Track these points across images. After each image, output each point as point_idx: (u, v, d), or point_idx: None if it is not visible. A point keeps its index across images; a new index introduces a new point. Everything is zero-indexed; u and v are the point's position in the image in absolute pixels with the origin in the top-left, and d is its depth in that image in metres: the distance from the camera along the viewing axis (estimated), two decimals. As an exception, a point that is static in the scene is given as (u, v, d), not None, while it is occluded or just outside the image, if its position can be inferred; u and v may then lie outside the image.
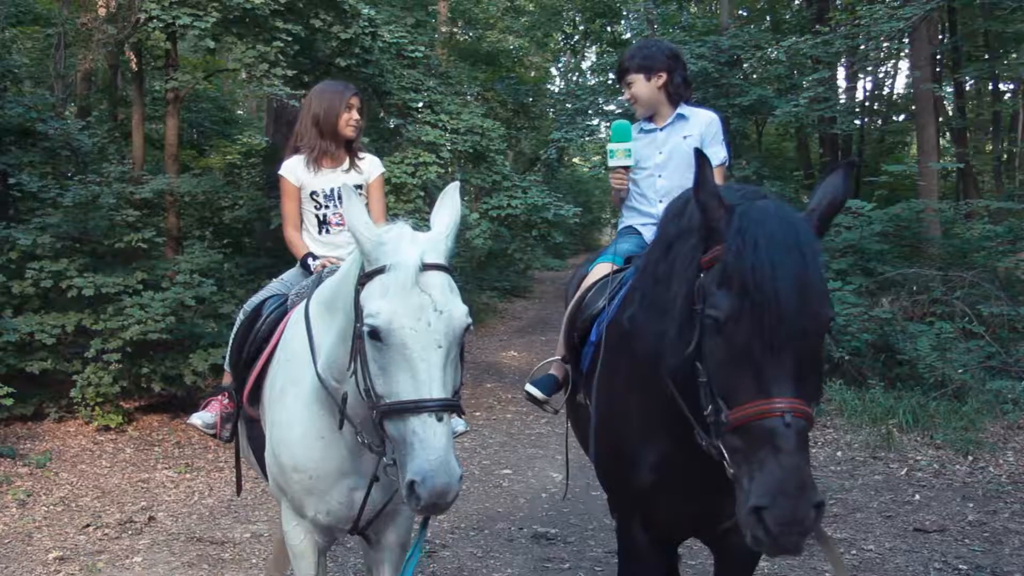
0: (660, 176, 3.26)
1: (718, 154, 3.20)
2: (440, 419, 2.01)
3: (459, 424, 3.07)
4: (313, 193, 3.36)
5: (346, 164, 3.41)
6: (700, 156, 2.04)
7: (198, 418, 3.25)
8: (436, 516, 2.11)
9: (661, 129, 3.28)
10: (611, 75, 19.28)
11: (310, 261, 3.27)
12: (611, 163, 3.28)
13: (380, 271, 2.14)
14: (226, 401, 3.22)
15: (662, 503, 2.47)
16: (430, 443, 1.98)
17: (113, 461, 6.89)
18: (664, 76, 3.23)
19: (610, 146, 3.31)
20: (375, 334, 2.09)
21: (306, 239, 3.42)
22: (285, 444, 2.65)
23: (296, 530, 2.79)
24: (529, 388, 3.25)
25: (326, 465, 2.58)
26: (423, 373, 2.04)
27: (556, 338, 3.43)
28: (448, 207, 2.35)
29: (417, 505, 1.98)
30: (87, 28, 8.56)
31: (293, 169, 3.39)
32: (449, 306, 2.11)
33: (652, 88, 3.23)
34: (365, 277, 2.20)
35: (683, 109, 3.28)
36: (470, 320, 2.18)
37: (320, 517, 2.68)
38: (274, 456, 2.72)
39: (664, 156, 3.25)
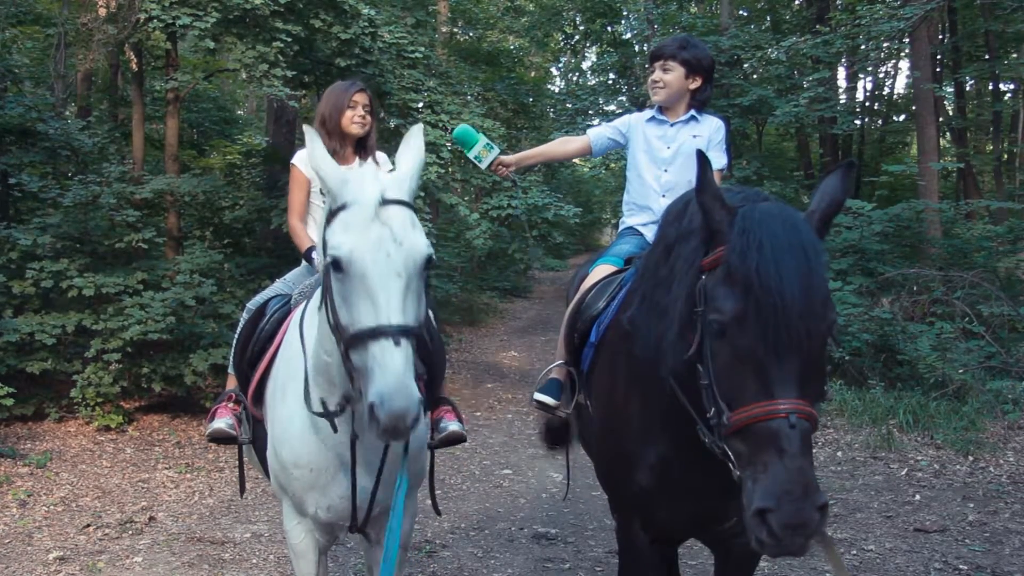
0: (666, 171, 3.29)
1: (719, 159, 3.22)
2: (398, 344, 2.03)
3: (451, 424, 3.08)
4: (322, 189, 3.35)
5: (356, 164, 3.38)
6: (702, 158, 2.03)
7: (221, 422, 3.13)
8: (397, 441, 2.12)
9: (672, 124, 3.31)
10: (611, 75, 19.32)
11: (314, 255, 3.26)
12: (484, 166, 3.47)
13: (343, 207, 2.21)
14: (231, 405, 3.20)
15: (662, 504, 2.47)
16: (388, 367, 2.00)
17: (113, 461, 6.89)
18: (700, 81, 3.26)
19: (471, 155, 3.48)
20: (337, 265, 2.14)
21: (312, 232, 3.41)
22: (286, 440, 2.66)
23: (297, 529, 2.80)
24: (538, 396, 3.24)
25: (324, 456, 2.59)
26: (382, 301, 2.08)
27: (556, 338, 3.43)
28: (412, 148, 2.41)
29: (378, 428, 2.00)
30: (87, 28, 8.55)
31: (306, 161, 3.37)
32: (409, 238, 2.16)
33: (685, 85, 3.26)
34: (331, 215, 2.25)
35: (695, 112, 3.32)
36: (431, 252, 2.22)
37: (320, 513, 2.68)
38: (275, 453, 2.73)
39: (672, 152, 3.28)
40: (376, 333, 2.05)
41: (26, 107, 8.14)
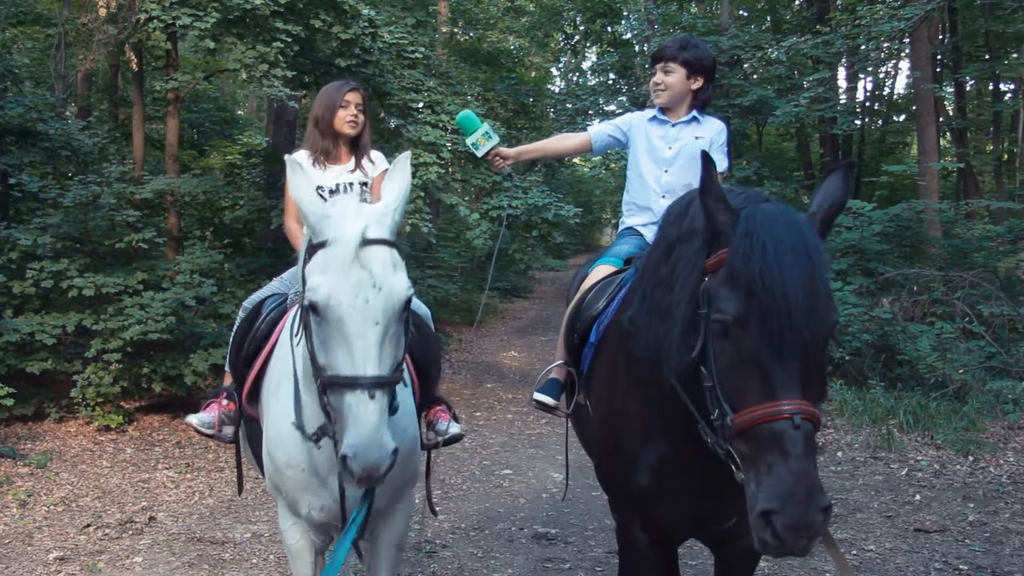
0: (666, 171, 3.28)
1: (720, 162, 3.21)
2: (372, 396, 2.04)
3: (453, 427, 3.08)
4: (319, 188, 3.33)
5: (352, 164, 3.36)
6: (706, 159, 2.03)
7: (195, 418, 3.21)
8: (374, 487, 2.17)
9: (674, 125, 3.30)
10: (611, 75, 19.32)
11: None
12: (480, 154, 3.47)
13: (323, 245, 2.16)
14: (226, 402, 3.20)
15: (661, 504, 2.47)
16: (361, 419, 2.02)
17: (113, 461, 6.89)
18: (702, 82, 3.26)
19: (468, 141, 3.47)
20: (314, 308, 2.12)
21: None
22: (279, 440, 2.66)
23: (292, 530, 2.80)
24: (538, 396, 3.24)
25: (317, 458, 2.58)
26: (359, 350, 2.07)
27: (556, 338, 3.43)
28: (397, 179, 2.36)
29: (352, 479, 2.03)
30: (87, 28, 8.55)
31: (301, 162, 3.35)
32: (389, 282, 2.13)
33: (687, 87, 3.25)
34: (311, 250, 2.22)
35: (696, 113, 3.31)
36: (411, 294, 2.19)
37: (314, 514, 2.68)
38: (269, 454, 2.72)
39: (673, 152, 3.27)
40: (352, 384, 2.05)
41: (26, 107, 8.13)
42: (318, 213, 2.21)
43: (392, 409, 2.20)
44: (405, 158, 2.42)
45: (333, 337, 2.10)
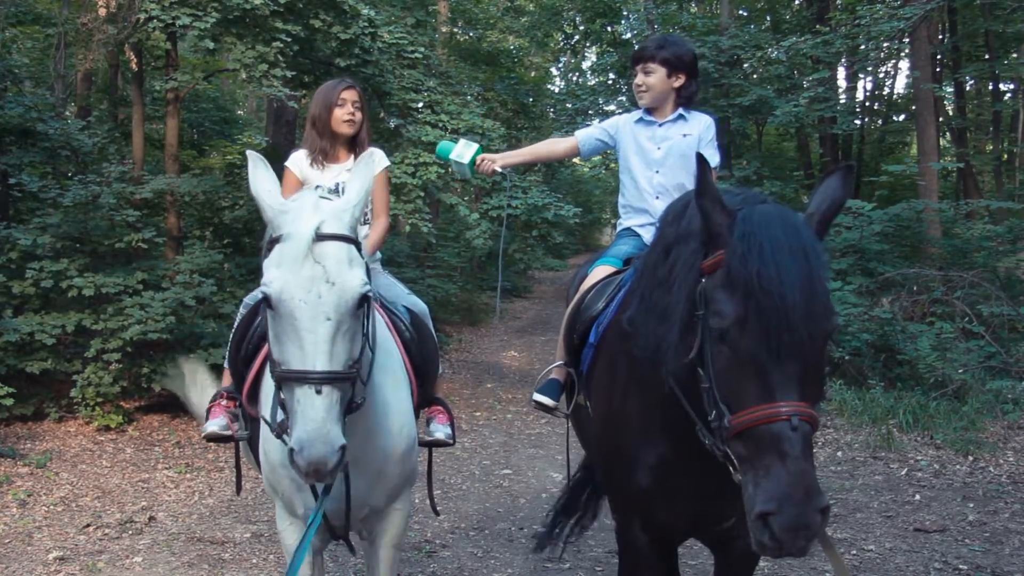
0: (657, 172, 3.27)
1: (712, 158, 3.20)
2: (319, 391, 2.04)
3: (438, 431, 3.08)
4: (317, 188, 3.34)
5: (350, 162, 3.34)
6: (701, 160, 2.02)
7: (213, 424, 3.17)
8: (323, 482, 2.15)
9: (660, 124, 3.29)
10: (611, 75, 19.31)
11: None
12: (467, 161, 3.51)
13: (280, 239, 2.17)
14: (225, 402, 3.20)
15: (661, 504, 2.47)
16: (308, 414, 2.03)
17: (113, 461, 6.90)
18: (683, 79, 3.25)
19: (452, 157, 3.51)
20: (268, 302, 2.12)
21: None
22: (274, 440, 2.65)
23: (289, 530, 2.80)
24: (537, 397, 3.23)
25: None
26: (309, 345, 2.07)
27: (556, 338, 3.43)
28: (361, 176, 2.35)
29: (300, 472, 2.04)
30: (87, 28, 8.55)
31: (299, 162, 3.36)
32: (343, 277, 2.12)
33: (669, 85, 3.24)
34: (270, 244, 2.22)
35: (682, 110, 3.30)
36: (367, 290, 2.18)
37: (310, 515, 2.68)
38: (265, 454, 2.72)
39: (663, 152, 3.26)
40: (301, 378, 2.06)
41: (26, 107, 8.13)
42: (276, 208, 2.22)
43: (351, 407, 2.21)
44: (368, 155, 2.43)
45: (285, 331, 2.11)
